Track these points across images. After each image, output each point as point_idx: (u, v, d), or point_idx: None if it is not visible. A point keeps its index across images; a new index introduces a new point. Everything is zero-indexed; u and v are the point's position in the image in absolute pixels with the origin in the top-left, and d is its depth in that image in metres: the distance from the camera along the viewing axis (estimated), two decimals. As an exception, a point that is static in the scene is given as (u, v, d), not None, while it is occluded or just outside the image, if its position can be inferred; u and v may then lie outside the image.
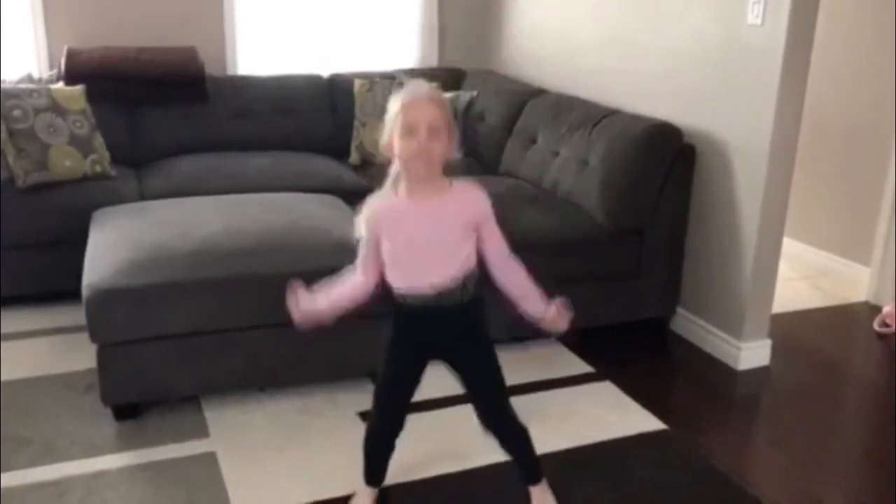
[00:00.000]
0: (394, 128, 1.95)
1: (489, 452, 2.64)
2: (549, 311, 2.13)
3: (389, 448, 2.28)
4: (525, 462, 2.31)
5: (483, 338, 2.17)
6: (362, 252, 2.10)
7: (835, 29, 4.15)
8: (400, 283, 2.06)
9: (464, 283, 2.04)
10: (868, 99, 4.18)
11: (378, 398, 2.26)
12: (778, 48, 2.98)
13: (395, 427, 2.25)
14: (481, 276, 2.10)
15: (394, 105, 1.96)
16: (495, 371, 2.20)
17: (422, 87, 2.00)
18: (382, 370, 2.21)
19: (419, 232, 2.00)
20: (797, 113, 3.09)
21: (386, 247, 2.04)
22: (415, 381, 2.21)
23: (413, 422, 2.75)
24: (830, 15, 3.85)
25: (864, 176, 4.23)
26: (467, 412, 2.87)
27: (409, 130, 1.92)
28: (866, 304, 4.06)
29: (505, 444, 2.28)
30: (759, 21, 3.04)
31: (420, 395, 3.01)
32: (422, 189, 2.00)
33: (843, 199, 4.38)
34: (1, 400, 2.83)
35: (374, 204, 2.05)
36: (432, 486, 2.48)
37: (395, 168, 2.01)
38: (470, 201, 2.04)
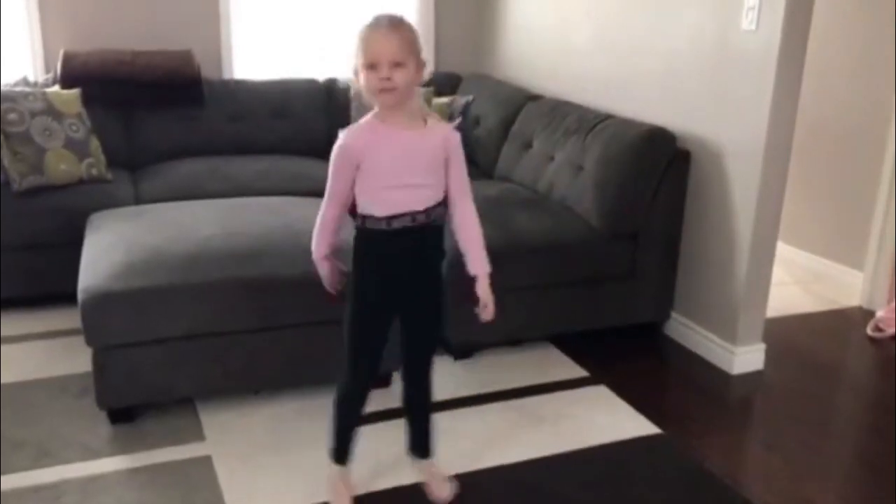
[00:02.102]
0: (358, 60, 1.98)
1: (482, 457, 2.65)
2: (480, 283, 2.19)
3: (362, 410, 2.32)
4: (421, 429, 2.40)
5: (440, 273, 2.21)
6: (335, 186, 2.09)
7: (830, 34, 4.17)
8: (386, 208, 2.05)
9: (442, 205, 2.12)
10: (862, 104, 4.20)
11: (352, 352, 2.23)
12: (772, 53, 2.99)
13: (369, 383, 2.29)
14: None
15: (358, 36, 1.98)
16: (445, 313, 2.26)
17: (384, 16, 2.00)
18: (352, 322, 2.19)
19: (402, 154, 2.04)
20: (791, 118, 3.10)
21: (366, 173, 2.04)
22: (386, 329, 2.22)
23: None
24: (825, 20, 3.86)
25: (857, 181, 4.24)
26: (458, 416, 2.89)
27: (371, 64, 1.94)
28: (860, 308, 4.08)
29: (415, 400, 2.36)
30: (753, 26, 3.05)
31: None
32: (397, 118, 2.04)
33: (836, 204, 4.40)
34: (1, 403, 2.85)
35: (352, 133, 2.05)
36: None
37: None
38: (442, 134, 2.09)
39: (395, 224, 2.06)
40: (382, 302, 2.18)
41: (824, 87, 4.29)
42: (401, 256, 2.13)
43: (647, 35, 3.61)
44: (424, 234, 2.10)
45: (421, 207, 2.06)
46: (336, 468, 2.38)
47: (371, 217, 2.07)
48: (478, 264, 2.17)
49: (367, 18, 1.99)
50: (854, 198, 4.27)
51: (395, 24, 1.97)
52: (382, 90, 1.95)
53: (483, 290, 2.19)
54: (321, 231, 2.16)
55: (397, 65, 1.94)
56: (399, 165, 2.03)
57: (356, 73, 2.00)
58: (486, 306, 2.21)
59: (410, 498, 2.41)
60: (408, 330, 2.26)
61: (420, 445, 2.44)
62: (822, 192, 4.46)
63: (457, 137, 2.13)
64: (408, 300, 2.20)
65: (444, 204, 2.13)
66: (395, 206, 2.05)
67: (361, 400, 2.30)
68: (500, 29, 4.87)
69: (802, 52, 3.04)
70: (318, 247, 2.18)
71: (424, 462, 2.45)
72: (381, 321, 2.21)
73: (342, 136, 2.05)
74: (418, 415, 2.41)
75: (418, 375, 2.34)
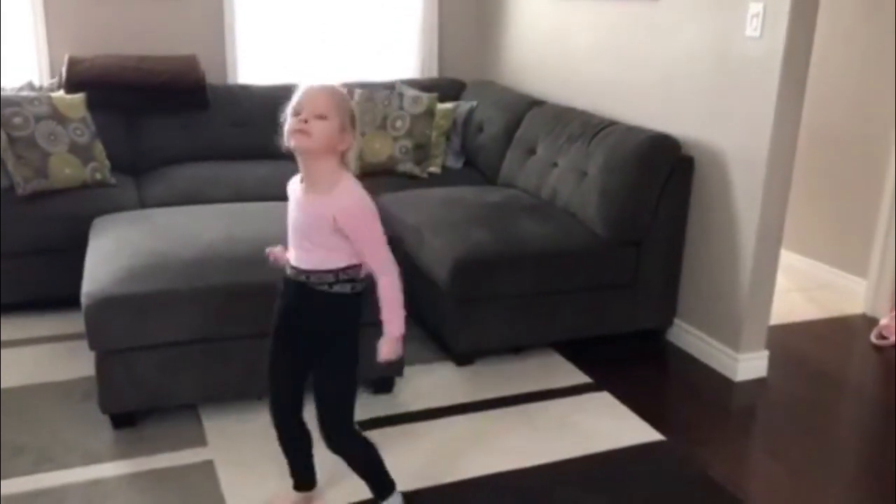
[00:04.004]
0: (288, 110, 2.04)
1: (485, 463, 2.65)
2: (386, 340, 2.12)
3: (292, 440, 2.29)
4: (360, 475, 2.30)
5: (341, 343, 2.14)
6: None
7: (832, 41, 4.18)
8: (288, 252, 2.16)
9: (336, 275, 2.07)
10: (865, 111, 4.20)
11: (269, 379, 2.24)
12: (776, 60, 2.99)
13: (282, 417, 2.25)
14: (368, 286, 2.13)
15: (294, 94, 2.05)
16: (340, 383, 2.18)
17: (327, 83, 2.08)
18: (269, 350, 2.23)
19: (298, 215, 2.10)
20: (795, 125, 3.10)
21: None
22: (297, 361, 2.19)
23: (412, 431, 2.77)
24: (827, 27, 3.87)
25: (861, 188, 4.24)
26: (460, 422, 2.89)
27: (295, 111, 2.01)
28: (863, 316, 4.07)
29: (348, 462, 2.28)
30: (757, 33, 3.06)
31: (416, 405, 3.01)
32: (312, 180, 2.07)
33: (840, 212, 4.39)
34: (1, 407, 2.85)
35: (292, 180, 2.18)
36: (429, 495, 2.48)
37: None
38: (338, 207, 2.03)
39: (288, 273, 2.13)
40: (280, 342, 2.20)
41: (828, 94, 4.29)
42: (288, 307, 2.16)
43: (650, 42, 3.61)
44: (308, 294, 2.09)
45: (303, 267, 2.09)
46: (293, 491, 2.38)
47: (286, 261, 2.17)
48: (388, 326, 2.12)
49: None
50: (858, 205, 4.26)
51: (332, 87, 2.06)
52: (296, 131, 1.99)
53: (387, 347, 2.12)
54: None
55: (319, 116, 1.99)
56: (293, 219, 2.11)
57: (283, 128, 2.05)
58: (384, 357, 2.13)
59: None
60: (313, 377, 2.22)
61: (372, 491, 2.33)
62: (826, 199, 4.46)
63: (354, 212, 2.04)
64: (306, 352, 2.17)
65: (338, 274, 2.07)
66: (291, 257, 2.13)
67: (283, 429, 2.27)
68: (504, 35, 4.87)
69: (806, 59, 3.04)
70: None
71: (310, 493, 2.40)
72: (284, 360, 2.20)
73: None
74: (353, 467, 2.29)
75: (323, 434, 2.20)
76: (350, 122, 2.04)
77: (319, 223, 2.04)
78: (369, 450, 2.26)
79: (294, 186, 2.15)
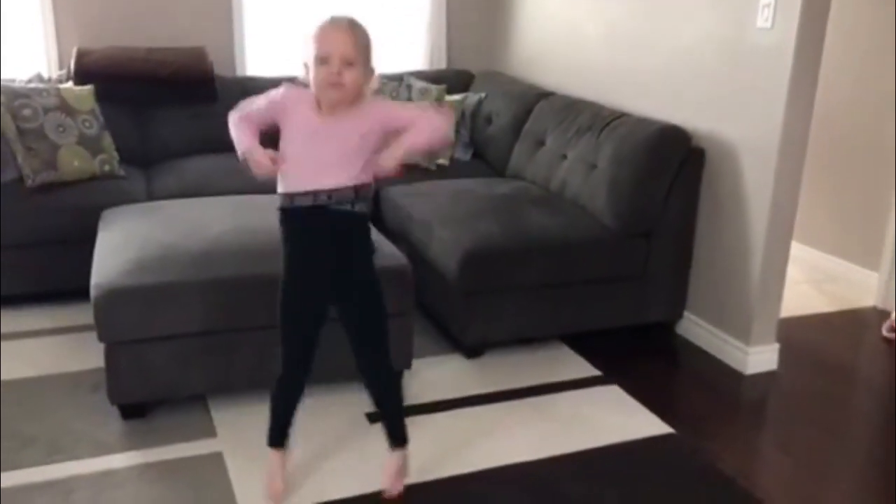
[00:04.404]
0: (310, 52, 2.00)
1: (494, 455, 2.64)
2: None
3: (294, 397, 2.31)
4: (391, 414, 2.34)
5: (369, 268, 2.17)
6: (256, 105, 2.13)
7: (842, 32, 4.14)
8: (291, 184, 2.08)
9: (356, 191, 2.06)
10: (876, 103, 4.17)
11: (281, 330, 2.22)
12: (788, 51, 2.97)
13: (297, 368, 2.26)
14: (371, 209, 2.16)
15: (315, 29, 2.00)
16: (379, 308, 2.21)
17: (343, 16, 2.04)
18: (279, 300, 2.19)
19: (318, 137, 2.04)
20: (806, 116, 3.08)
21: (283, 138, 2.08)
22: (317, 307, 2.20)
23: (421, 423, 2.76)
24: (836, 13, 3.84)
25: (872, 180, 4.21)
26: (469, 414, 2.89)
27: (322, 59, 1.97)
28: (874, 308, 4.05)
29: (375, 391, 2.30)
30: (768, 24, 3.03)
31: (425, 397, 3.02)
32: (336, 108, 2.05)
33: (851, 204, 4.37)
34: (3, 399, 2.84)
35: (293, 92, 2.10)
36: (438, 488, 2.48)
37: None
38: (372, 111, 2.07)
39: (297, 202, 2.07)
40: (301, 283, 2.16)
41: (839, 86, 4.25)
42: (309, 236, 2.11)
43: (661, 32, 3.59)
44: (329, 217, 2.06)
45: (324, 187, 2.03)
46: (270, 451, 2.39)
47: (283, 194, 2.11)
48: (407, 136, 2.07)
49: (326, 17, 2.03)
50: (869, 197, 4.24)
51: (352, 25, 2.02)
52: (330, 85, 1.97)
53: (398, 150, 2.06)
54: (240, 127, 2.13)
55: (348, 63, 1.97)
56: (309, 144, 2.04)
57: (306, 66, 2.04)
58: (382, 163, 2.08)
59: (417, 495, 2.41)
60: (345, 325, 2.23)
61: (394, 435, 2.38)
62: (837, 191, 4.43)
63: (379, 108, 2.10)
64: (330, 286, 2.17)
65: (358, 191, 2.07)
66: (298, 183, 2.05)
67: (291, 385, 2.30)
68: (513, 26, 4.85)
69: (819, 50, 3.01)
70: (243, 140, 2.12)
71: (393, 452, 2.39)
72: (304, 303, 2.19)
73: (286, 86, 2.10)
74: (382, 399, 2.35)
75: (371, 374, 2.28)
76: (370, 55, 2.02)
77: (348, 141, 2.03)
78: (397, 382, 2.36)
79: (305, 102, 2.06)
